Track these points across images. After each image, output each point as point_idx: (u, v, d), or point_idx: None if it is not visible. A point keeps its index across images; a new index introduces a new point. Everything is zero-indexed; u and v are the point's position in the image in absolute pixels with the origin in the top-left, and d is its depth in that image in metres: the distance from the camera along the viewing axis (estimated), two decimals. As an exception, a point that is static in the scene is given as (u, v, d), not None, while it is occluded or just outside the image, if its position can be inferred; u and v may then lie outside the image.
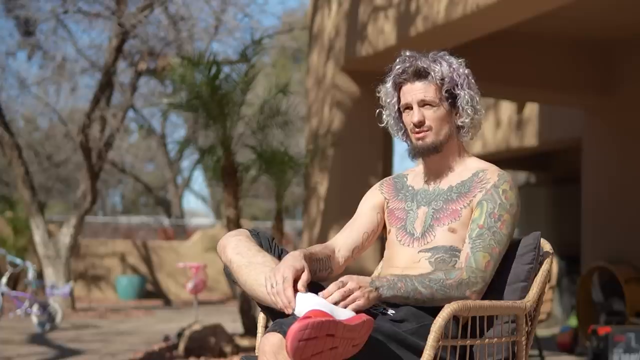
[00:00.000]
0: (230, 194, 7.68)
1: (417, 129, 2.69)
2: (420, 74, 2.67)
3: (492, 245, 2.55)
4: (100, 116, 12.57)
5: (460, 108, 2.70)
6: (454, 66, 2.69)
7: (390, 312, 2.50)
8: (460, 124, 2.72)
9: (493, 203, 2.60)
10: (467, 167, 2.74)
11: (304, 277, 2.43)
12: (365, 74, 7.78)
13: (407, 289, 2.46)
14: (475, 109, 2.71)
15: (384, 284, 2.44)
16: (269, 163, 7.89)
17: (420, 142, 2.70)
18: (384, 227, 2.88)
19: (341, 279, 2.42)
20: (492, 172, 2.68)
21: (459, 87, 2.68)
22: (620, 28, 7.67)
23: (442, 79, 2.66)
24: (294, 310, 2.34)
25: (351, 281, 2.40)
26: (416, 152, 2.73)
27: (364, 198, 2.92)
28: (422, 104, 2.68)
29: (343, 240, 2.82)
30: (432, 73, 2.66)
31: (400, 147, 48.17)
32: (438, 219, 2.68)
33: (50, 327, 9.98)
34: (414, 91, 2.68)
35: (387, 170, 7.95)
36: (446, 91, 2.67)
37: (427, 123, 2.67)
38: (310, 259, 2.58)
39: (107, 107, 12.76)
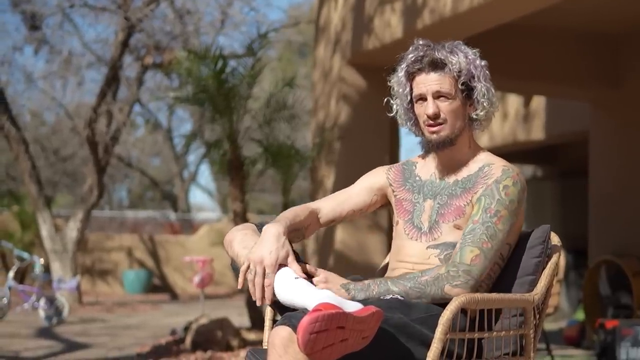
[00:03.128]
0: (236, 188, 7.68)
1: (431, 122, 2.62)
2: (437, 65, 2.60)
3: (483, 240, 2.49)
4: (106, 110, 12.58)
5: (476, 101, 2.65)
6: (470, 57, 2.63)
7: (401, 297, 2.49)
8: (474, 116, 2.67)
9: (491, 198, 2.55)
10: (475, 161, 2.69)
11: (290, 259, 2.47)
12: (371, 67, 7.76)
13: (380, 290, 2.47)
14: (491, 102, 2.66)
15: (357, 287, 2.48)
16: (275, 157, 7.89)
17: (435, 135, 2.63)
18: (376, 205, 2.87)
19: (320, 274, 2.50)
20: (497, 167, 2.62)
21: (476, 79, 2.62)
22: (627, 21, 7.64)
23: (459, 71, 2.60)
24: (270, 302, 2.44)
25: (322, 280, 2.48)
26: (431, 146, 2.68)
27: (367, 175, 2.88)
28: (437, 95, 2.61)
29: (330, 209, 2.79)
30: (450, 65, 2.59)
31: (406, 141, 48.10)
32: (443, 214, 2.65)
33: (57, 321, 10.01)
34: (429, 82, 2.61)
35: (393, 163, 7.94)
36: (462, 83, 2.62)
37: (442, 116, 2.61)
38: (291, 231, 2.56)
39: (114, 101, 12.78)
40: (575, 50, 8.11)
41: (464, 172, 2.68)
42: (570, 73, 8.17)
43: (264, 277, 2.43)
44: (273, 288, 2.43)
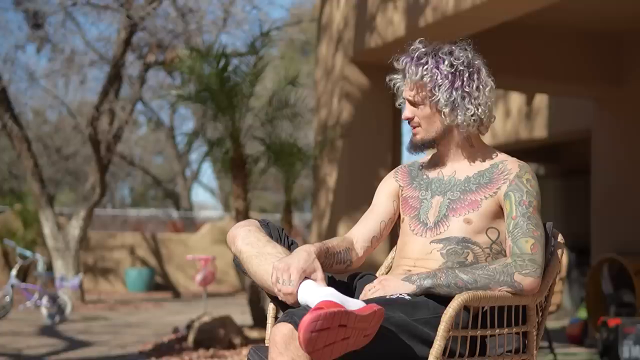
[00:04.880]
0: (239, 186, 7.68)
1: (409, 124, 2.75)
2: (405, 74, 2.72)
3: (532, 229, 2.54)
4: (109, 109, 12.58)
5: (441, 109, 2.66)
6: (440, 66, 2.64)
7: (407, 297, 2.48)
8: (448, 122, 2.68)
9: (520, 192, 2.59)
10: (484, 158, 2.73)
11: (319, 276, 2.45)
12: (374, 66, 7.76)
13: (448, 277, 2.48)
14: (478, 104, 2.65)
15: (422, 275, 2.49)
16: (277, 155, 7.89)
17: (413, 137, 2.76)
18: (400, 215, 2.87)
19: (379, 280, 2.55)
20: (512, 163, 2.68)
21: (438, 89, 2.64)
22: (630, 19, 7.63)
23: (420, 81, 2.66)
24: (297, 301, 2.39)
25: (387, 281, 2.52)
26: (410, 147, 2.78)
27: (379, 187, 2.91)
28: (410, 102, 2.72)
29: (361, 231, 2.81)
30: (407, 74, 2.68)
31: (408, 140, 48.00)
32: (454, 209, 2.66)
33: (59, 319, 10.02)
34: (405, 89, 2.73)
35: (396, 162, 7.93)
36: (430, 90, 2.66)
37: (416, 119, 2.72)
38: (325, 253, 2.59)
39: (116, 99, 12.77)
40: (578, 48, 8.10)
41: (475, 169, 2.72)
42: (573, 71, 8.16)
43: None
44: (296, 296, 2.40)
